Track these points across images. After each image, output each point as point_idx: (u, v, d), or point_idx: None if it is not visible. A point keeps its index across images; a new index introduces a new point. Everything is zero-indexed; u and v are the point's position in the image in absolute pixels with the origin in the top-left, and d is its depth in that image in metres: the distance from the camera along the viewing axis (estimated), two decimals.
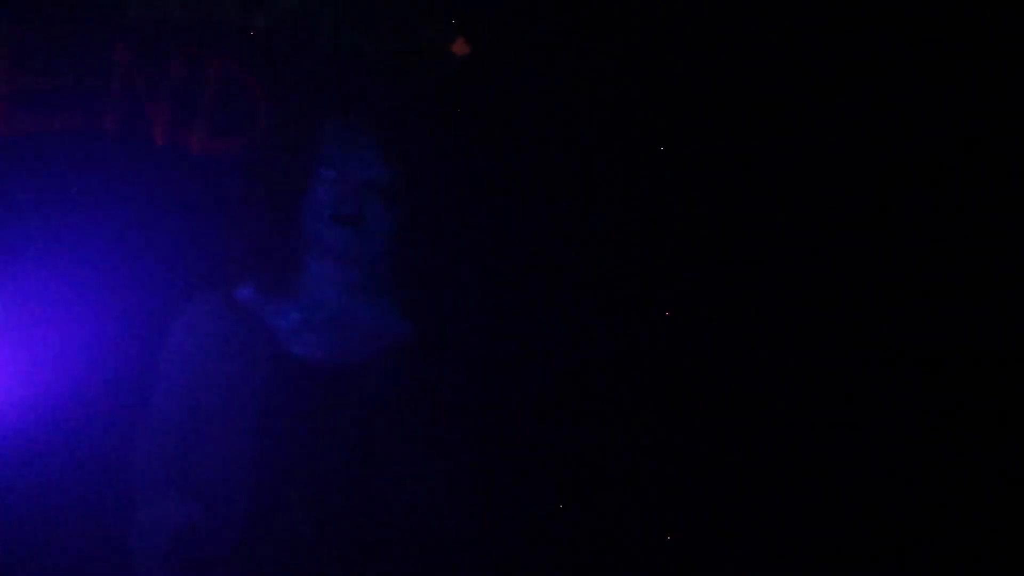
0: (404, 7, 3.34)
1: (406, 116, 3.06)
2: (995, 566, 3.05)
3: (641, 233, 3.16)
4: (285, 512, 2.90)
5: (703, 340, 3.19)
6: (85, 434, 3.01)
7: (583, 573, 3.11)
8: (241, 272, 3.01)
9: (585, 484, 3.11)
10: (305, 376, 2.94)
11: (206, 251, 3.08)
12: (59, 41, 3.23)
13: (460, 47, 3.32)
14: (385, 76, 3.24)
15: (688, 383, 3.20)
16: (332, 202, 2.92)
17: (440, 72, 3.30)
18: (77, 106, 3.24)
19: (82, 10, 3.24)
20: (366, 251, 2.94)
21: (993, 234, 3.18)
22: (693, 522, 3.15)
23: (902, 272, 3.21)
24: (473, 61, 3.29)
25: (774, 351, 3.22)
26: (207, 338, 2.95)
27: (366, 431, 2.94)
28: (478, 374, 3.04)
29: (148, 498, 2.93)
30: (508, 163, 3.17)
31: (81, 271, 3.09)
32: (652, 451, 3.16)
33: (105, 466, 3.01)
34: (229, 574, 2.87)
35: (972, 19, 3.15)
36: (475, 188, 3.17)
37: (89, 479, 3.01)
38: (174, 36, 3.33)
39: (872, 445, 3.16)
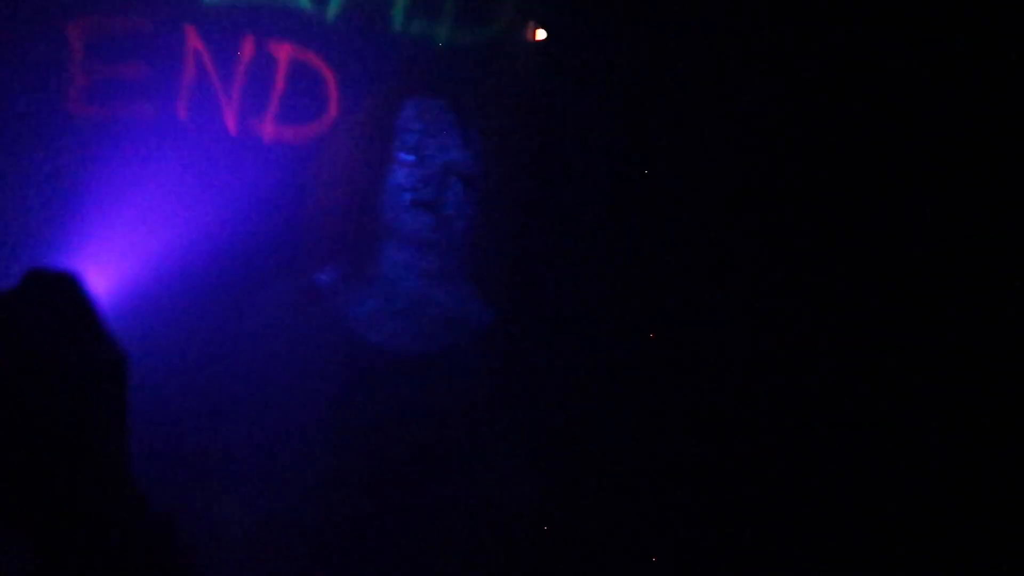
0: None
1: (484, 101, 3.04)
2: (995, 566, 3.02)
3: (728, 223, 3.13)
4: (362, 497, 2.89)
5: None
6: (163, 424, 3.00)
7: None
8: (320, 258, 2.99)
9: (673, 477, 3.08)
10: (383, 363, 2.92)
11: (285, 237, 3.07)
12: (132, 29, 3.23)
13: (535, 33, 3.29)
14: (460, 61, 3.21)
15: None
16: (411, 187, 2.90)
17: (515, 57, 3.28)
18: (151, 94, 3.24)
19: None
20: (445, 237, 2.92)
21: (993, 234, 3.15)
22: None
23: (901, 272, 3.18)
24: (549, 47, 3.27)
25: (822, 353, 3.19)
26: (286, 325, 2.94)
27: (444, 418, 2.93)
28: (559, 361, 3.02)
29: (227, 485, 2.93)
30: (586, 149, 3.15)
31: (160, 259, 3.08)
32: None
33: (185, 454, 3.00)
34: (307, 559, 2.87)
35: (972, 19, 3.11)
36: (554, 173, 3.15)
37: (169, 469, 3.00)
38: (246, 22, 3.32)
39: (871, 445, 3.13)
